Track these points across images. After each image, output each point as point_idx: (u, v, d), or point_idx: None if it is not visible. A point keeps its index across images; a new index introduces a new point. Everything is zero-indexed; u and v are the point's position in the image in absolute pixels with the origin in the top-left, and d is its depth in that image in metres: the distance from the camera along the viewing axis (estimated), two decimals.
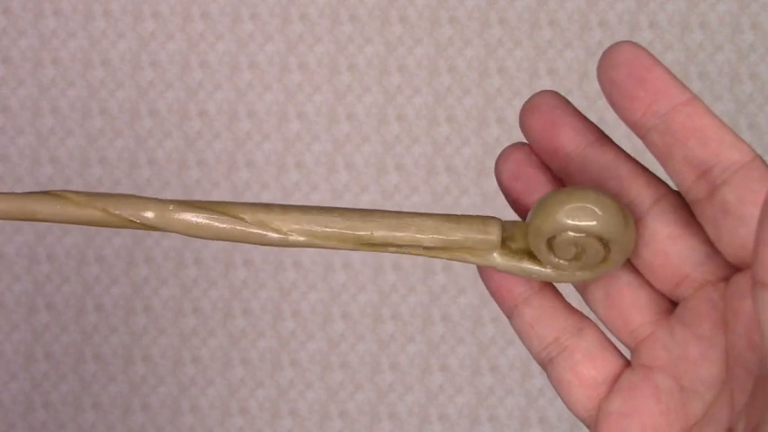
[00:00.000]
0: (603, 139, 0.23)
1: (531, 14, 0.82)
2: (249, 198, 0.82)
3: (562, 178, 0.24)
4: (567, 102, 0.24)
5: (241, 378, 0.82)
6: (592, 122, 0.23)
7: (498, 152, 0.85)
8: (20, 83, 0.84)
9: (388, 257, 0.82)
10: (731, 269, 0.22)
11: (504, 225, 0.24)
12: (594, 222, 0.21)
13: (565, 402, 0.24)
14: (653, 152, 0.22)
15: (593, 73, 0.81)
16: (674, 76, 0.21)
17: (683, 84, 0.21)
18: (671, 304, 0.23)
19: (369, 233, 0.23)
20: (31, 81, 0.84)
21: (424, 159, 0.82)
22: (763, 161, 0.21)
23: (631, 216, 0.22)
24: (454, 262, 0.81)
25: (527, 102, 0.24)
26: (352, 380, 0.81)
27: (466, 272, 0.81)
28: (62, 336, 0.82)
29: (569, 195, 0.22)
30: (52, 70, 0.84)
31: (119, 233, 0.83)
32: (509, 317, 0.25)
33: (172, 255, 0.82)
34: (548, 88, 0.82)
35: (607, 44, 0.81)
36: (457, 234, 0.23)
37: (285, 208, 0.24)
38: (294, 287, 0.82)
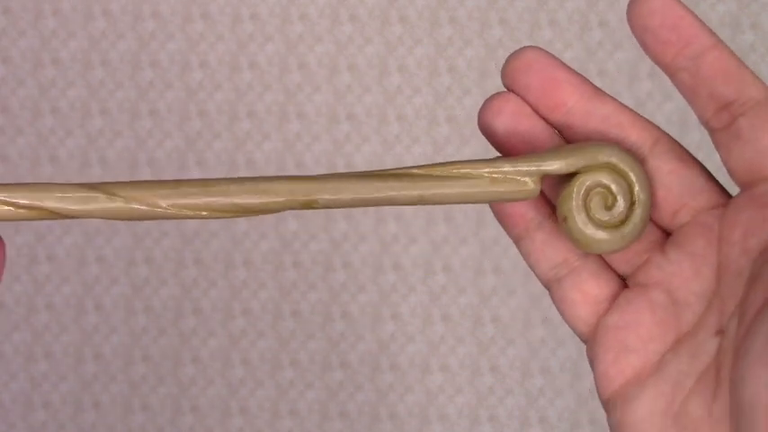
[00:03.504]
0: (600, 92, 0.26)
1: (531, 14, 0.82)
2: None
3: (563, 130, 0.26)
4: (558, 58, 0.25)
5: (241, 378, 0.82)
6: (585, 77, 0.25)
7: (497, 153, 0.85)
8: (20, 83, 0.84)
9: (388, 256, 0.82)
10: (725, 197, 0.25)
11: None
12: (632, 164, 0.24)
13: (566, 319, 0.26)
14: (680, 88, 0.25)
15: (594, 72, 0.81)
16: (701, 22, 0.24)
17: (710, 28, 0.24)
18: (664, 236, 0.26)
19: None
20: (31, 81, 0.84)
21: (423, 159, 0.82)
22: None
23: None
24: (455, 262, 0.81)
25: (516, 60, 0.25)
26: (352, 380, 0.81)
27: (466, 272, 0.81)
28: (62, 336, 0.82)
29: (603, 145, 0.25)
30: (52, 70, 0.84)
31: (118, 233, 0.83)
32: (518, 240, 0.27)
33: (172, 255, 0.82)
34: None
35: (607, 44, 0.81)
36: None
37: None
38: (294, 287, 0.82)
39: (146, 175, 0.83)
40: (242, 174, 0.83)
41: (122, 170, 0.83)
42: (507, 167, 0.25)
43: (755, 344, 0.21)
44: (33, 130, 0.84)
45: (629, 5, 0.24)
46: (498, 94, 0.26)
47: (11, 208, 0.23)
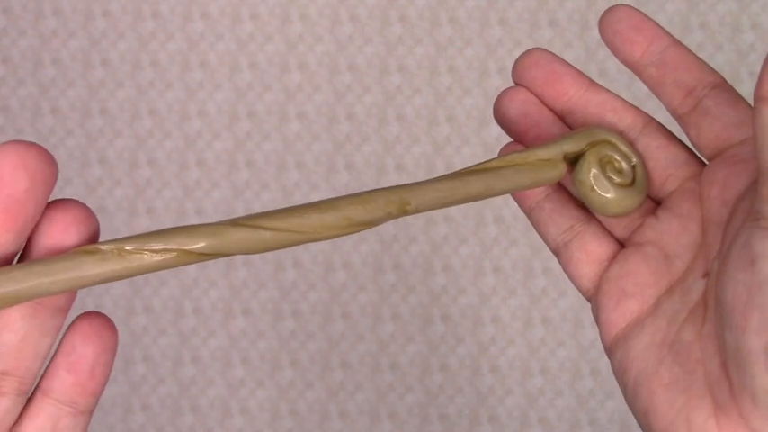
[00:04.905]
0: (596, 84, 0.30)
1: (531, 14, 0.82)
2: (249, 198, 0.82)
3: (565, 116, 0.30)
4: (559, 56, 0.30)
5: (241, 378, 0.82)
6: (582, 72, 0.30)
7: (498, 151, 0.85)
8: (20, 83, 0.84)
9: (388, 256, 0.82)
10: (703, 168, 0.29)
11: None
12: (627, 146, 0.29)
13: (573, 278, 0.30)
14: (648, 83, 0.29)
15: (594, 72, 0.81)
16: (659, 25, 0.29)
17: (667, 30, 0.29)
18: (655, 204, 0.30)
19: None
20: (31, 81, 0.84)
21: (424, 159, 0.82)
22: (728, 83, 0.29)
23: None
24: (454, 262, 0.81)
25: (523, 59, 0.30)
26: (352, 380, 0.81)
27: (465, 272, 0.81)
28: None
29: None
30: (52, 70, 0.84)
31: (117, 233, 0.83)
32: (529, 211, 0.31)
33: None
34: None
35: None
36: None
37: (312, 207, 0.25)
38: (294, 287, 0.82)
39: (145, 174, 0.83)
40: (242, 174, 0.83)
41: (122, 170, 0.83)
42: (542, 153, 0.28)
43: (732, 255, 0.24)
44: (33, 129, 0.84)
45: (600, 19, 0.29)
46: (510, 87, 0.30)
47: (149, 255, 0.22)
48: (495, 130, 0.81)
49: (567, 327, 0.80)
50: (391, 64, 0.83)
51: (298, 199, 0.82)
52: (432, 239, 0.81)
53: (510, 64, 0.82)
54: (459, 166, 0.82)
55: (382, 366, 0.81)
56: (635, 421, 0.82)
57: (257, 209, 0.82)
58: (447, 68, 0.82)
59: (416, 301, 0.81)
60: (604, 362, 0.81)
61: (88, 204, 0.84)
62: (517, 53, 0.82)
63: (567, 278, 0.81)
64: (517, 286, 0.80)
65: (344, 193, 0.82)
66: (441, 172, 0.82)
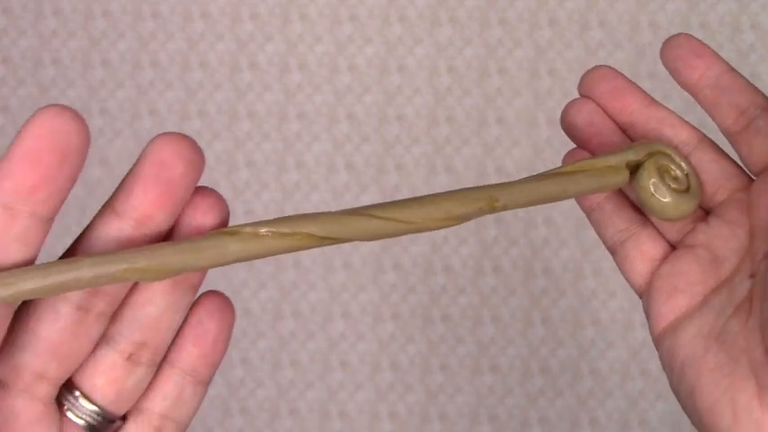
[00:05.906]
0: (656, 101, 0.33)
1: (531, 14, 0.82)
2: (249, 198, 0.82)
3: (626, 128, 0.33)
4: (623, 74, 0.33)
5: (241, 378, 0.82)
6: (644, 90, 0.33)
7: (498, 152, 0.85)
8: (20, 83, 0.84)
9: (388, 257, 0.82)
10: (751, 180, 0.31)
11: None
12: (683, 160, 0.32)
13: (627, 275, 0.32)
14: (703, 103, 0.32)
15: None
16: (717, 53, 0.32)
17: (723, 58, 0.32)
18: (706, 213, 0.32)
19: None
20: (30, 80, 0.84)
21: (424, 159, 0.82)
22: None
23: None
24: (454, 262, 0.81)
25: (594, 73, 0.33)
26: (352, 380, 0.81)
27: (466, 272, 0.81)
28: None
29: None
30: (52, 70, 0.84)
31: None
32: (590, 211, 0.33)
33: None
34: (548, 88, 0.82)
35: (607, 44, 0.81)
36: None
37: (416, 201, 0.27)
38: (294, 287, 0.82)
39: None
40: (242, 174, 0.83)
41: (123, 170, 0.83)
42: (610, 160, 0.31)
43: None
44: None
45: (663, 44, 0.32)
46: (578, 98, 0.33)
47: (279, 238, 0.25)
48: (495, 130, 0.81)
49: (566, 326, 0.80)
50: (391, 64, 0.83)
51: (297, 199, 0.82)
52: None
53: (510, 64, 0.82)
54: (459, 167, 0.82)
55: (382, 366, 0.81)
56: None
57: (257, 209, 0.82)
58: (447, 68, 0.82)
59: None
60: None
61: (88, 204, 0.84)
62: (517, 53, 0.82)
63: None
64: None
65: (344, 194, 0.82)
66: (441, 172, 0.82)
